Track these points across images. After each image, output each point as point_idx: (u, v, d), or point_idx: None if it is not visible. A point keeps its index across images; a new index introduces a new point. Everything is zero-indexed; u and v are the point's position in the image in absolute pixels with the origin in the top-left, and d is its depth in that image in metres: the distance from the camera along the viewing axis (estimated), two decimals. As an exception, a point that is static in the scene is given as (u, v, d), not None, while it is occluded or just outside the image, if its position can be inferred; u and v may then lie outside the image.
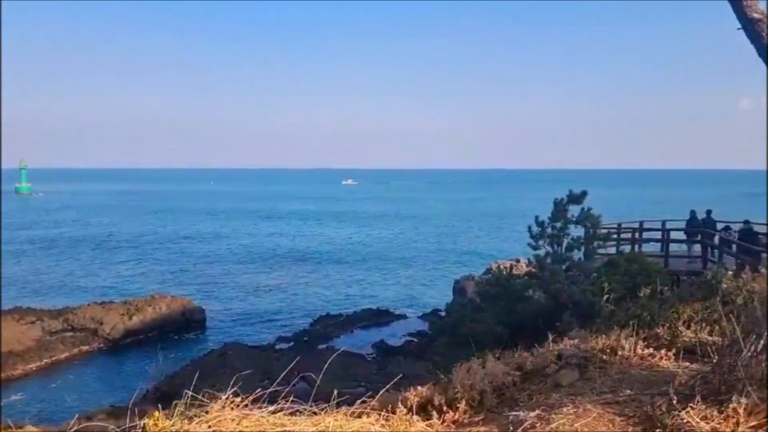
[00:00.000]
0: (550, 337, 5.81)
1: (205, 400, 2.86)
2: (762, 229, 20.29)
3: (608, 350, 5.08)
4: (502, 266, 26.31)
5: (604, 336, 5.54)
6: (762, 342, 3.49)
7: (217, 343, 28.07)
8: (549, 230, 17.97)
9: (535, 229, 18.17)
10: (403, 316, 34.35)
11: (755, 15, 5.17)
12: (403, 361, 24.65)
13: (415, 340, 28.83)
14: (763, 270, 7.19)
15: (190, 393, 2.87)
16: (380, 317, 33.78)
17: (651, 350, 5.15)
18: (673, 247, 22.29)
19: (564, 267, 17.69)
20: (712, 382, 3.46)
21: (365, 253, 57.24)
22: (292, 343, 28.80)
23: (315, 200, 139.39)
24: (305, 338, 29.50)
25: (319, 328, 31.32)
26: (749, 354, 3.40)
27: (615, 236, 21.71)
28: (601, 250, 18.60)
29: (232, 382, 3.01)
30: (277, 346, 28.38)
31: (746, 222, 20.84)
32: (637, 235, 23.32)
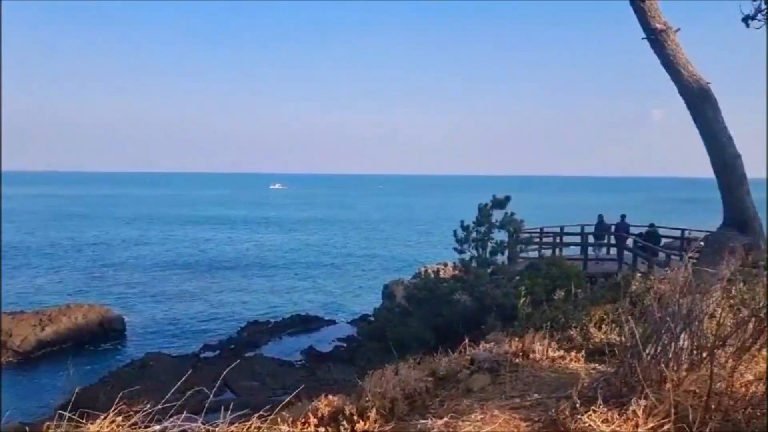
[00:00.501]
0: (466, 341, 5.81)
1: (83, 421, 2.61)
2: (669, 233, 21.49)
3: (521, 353, 5.13)
4: (430, 270, 26.60)
5: (518, 339, 5.58)
6: (661, 343, 3.58)
7: (138, 354, 26.93)
8: (474, 234, 18.28)
9: (461, 233, 18.44)
10: (332, 322, 34.09)
11: (658, 25, 5.36)
12: (332, 367, 24.48)
13: (345, 345, 28.66)
14: (668, 271, 7.48)
15: (68, 414, 2.62)
16: (309, 323, 33.41)
17: (562, 352, 5.23)
18: (591, 250, 23.24)
19: (489, 270, 18.02)
20: (614, 384, 3.50)
21: (294, 259, 56.50)
22: (218, 352, 28.00)
23: (242, 205, 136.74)
24: (232, 346, 28.75)
25: (246, 336, 30.63)
26: (648, 356, 3.47)
27: (537, 240, 22.34)
28: (523, 254, 19.11)
29: (117, 399, 2.78)
30: (203, 355, 27.52)
31: (651, 225, 22.05)
32: (558, 239, 24.09)
